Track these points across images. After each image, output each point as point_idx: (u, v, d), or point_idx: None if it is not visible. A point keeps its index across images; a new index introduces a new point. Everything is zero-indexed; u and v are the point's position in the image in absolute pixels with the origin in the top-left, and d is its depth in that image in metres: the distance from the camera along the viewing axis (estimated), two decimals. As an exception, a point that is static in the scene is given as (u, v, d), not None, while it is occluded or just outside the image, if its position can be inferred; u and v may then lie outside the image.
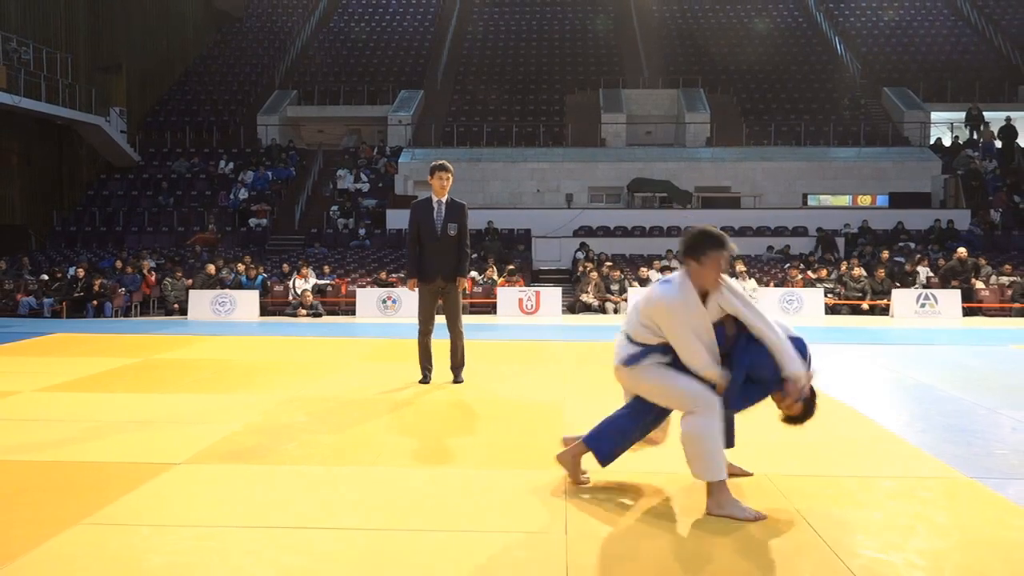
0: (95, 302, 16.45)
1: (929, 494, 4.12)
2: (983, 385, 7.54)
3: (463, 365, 7.31)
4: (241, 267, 17.78)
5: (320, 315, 16.46)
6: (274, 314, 16.82)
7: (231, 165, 24.57)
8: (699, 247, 3.74)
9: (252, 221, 22.46)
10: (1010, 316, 16.31)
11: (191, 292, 16.95)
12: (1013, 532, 3.57)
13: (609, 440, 4.06)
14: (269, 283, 17.73)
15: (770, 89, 27.48)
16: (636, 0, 33.01)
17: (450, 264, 7.14)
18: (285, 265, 18.54)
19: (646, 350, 3.86)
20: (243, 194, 23.24)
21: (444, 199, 7.16)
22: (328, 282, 17.85)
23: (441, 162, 7.19)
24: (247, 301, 16.82)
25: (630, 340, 3.94)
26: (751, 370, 3.78)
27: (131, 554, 3.32)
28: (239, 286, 17.29)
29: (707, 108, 25.58)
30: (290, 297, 17.02)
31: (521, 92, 27.88)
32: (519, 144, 25.08)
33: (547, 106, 27.28)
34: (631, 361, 3.89)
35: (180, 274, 17.73)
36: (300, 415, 6.05)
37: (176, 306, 17.03)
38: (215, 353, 10.13)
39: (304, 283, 17.06)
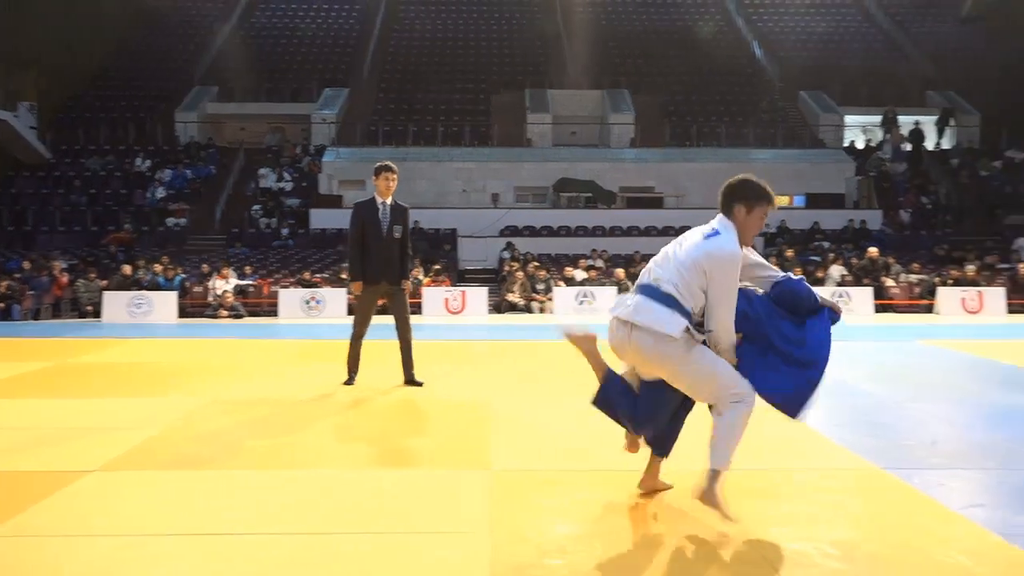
0: (1, 304, 15.81)
1: (843, 485, 4.27)
2: (894, 379, 7.85)
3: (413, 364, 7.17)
4: (159, 268, 17.31)
5: (242, 316, 16.15)
6: (193, 316, 16.43)
7: (148, 163, 23.86)
8: (752, 194, 3.54)
9: (170, 220, 21.87)
10: (918, 312, 16.99)
11: (105, 294, 16.43)
12: (918, 518, 3.73)
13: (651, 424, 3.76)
14: (188, 284, 17.31)
15: (692, 91, 27.97)
16: (562, 2, 33.26)
17: (394, 267, 7.04)
18: (205, 266, 18.11)
19: (690, 326, 3.42)
20: (161, 193, 22.63)
21: (388, 200, 7.04)
22: (250, 283, 17.51)
23: (386, 163, 7.08)
24: (165, 303, 16.39)
25: (676, 305, 3.41)
26: (795, 310, 3.58)
27: (45, 566, 3.21)
28: (156, 287, 16.83)
29: (631, 109, 25.92)
30: (210, 298, 16.64)
31: (447, 92, 27.77)
32: (445, 143, 25.00)
33: (473, 106, 27.25)
34: (687, 344, 3.41)
35: (94, 275, 17.16)
36: (223, 419, 5.94)
37: (90, 308, 16.49)
38: (132, 356, 9.86)
39: (225, 284, 16.70)
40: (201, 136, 25.68)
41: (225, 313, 16.04)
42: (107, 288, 16.63)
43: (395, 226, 7.03)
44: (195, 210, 22.47)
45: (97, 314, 16.28)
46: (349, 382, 7.13)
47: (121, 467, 4.61)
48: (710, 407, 3.64)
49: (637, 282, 3.63)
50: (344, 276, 17.52)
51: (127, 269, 17.10)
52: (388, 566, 3.20)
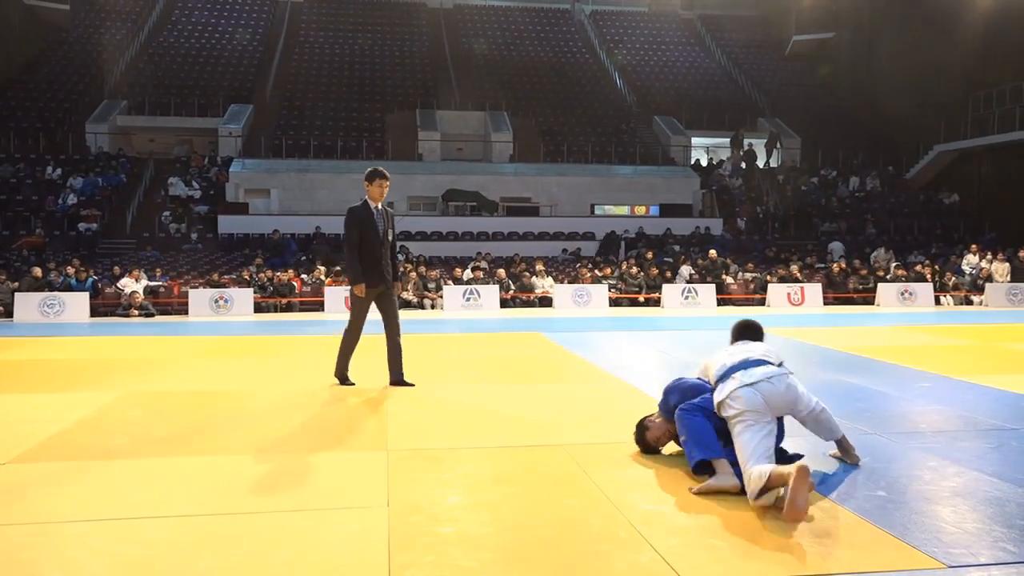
0: (-89, 306, 14.55)
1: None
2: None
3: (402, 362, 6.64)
4: (71, 269, 16.29)
5: (152, 315, 15.38)
6: (105, 315, 15.54)
7: (59, 171, 22.41)
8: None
9: (81, 226, 20.60)
10: (753, 305, 17.80)
11: (17, 295, 15.34)
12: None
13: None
14: (100, 285, 16.35)
15: (563, 114, 28.42)
16: (448, 33, 33.18)
17: (389, 268, 6.52)
18: (116, 268, 17.15)
19: None
20: (72, 199, 21.28)
21: (380, 206, 6.50)
22: (160, 283, 16.69)
23: (380, 168, 6.50)
24: (77, 303, 15.43)
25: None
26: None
27: (-47, 555, 2.96)
28: (68, 288, 15.83)
29: (510, 129, 26.13)
30: (121, 299, 15.77)
31: (345, 109, 27.30)
32: (344, 157, 24.55)
33: (369, 123, 26.86)
34: None
35: (4, 277, 15.99)
36: (133, 411, 5.64)
37: (1, 309, 15.36)
38: (44, 353, 9.24)
39: (134, 284, 15.87)
40: (111, 147, 24.33)
41: (136, 312, 15.25)
42: (18, 289, 15.54)
43: (388, 229, 6.51)
44: (106, 216, 21.27)
45: (9, 314, 15.19)
46: (349, 382, 6.63)
47: (33, 459, 4.32)
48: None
49: (736, 365, 3.99)
50: (336, 276, 16.82)
51: (37, 271, 16.01)
52: (295, 539, 3.12)
